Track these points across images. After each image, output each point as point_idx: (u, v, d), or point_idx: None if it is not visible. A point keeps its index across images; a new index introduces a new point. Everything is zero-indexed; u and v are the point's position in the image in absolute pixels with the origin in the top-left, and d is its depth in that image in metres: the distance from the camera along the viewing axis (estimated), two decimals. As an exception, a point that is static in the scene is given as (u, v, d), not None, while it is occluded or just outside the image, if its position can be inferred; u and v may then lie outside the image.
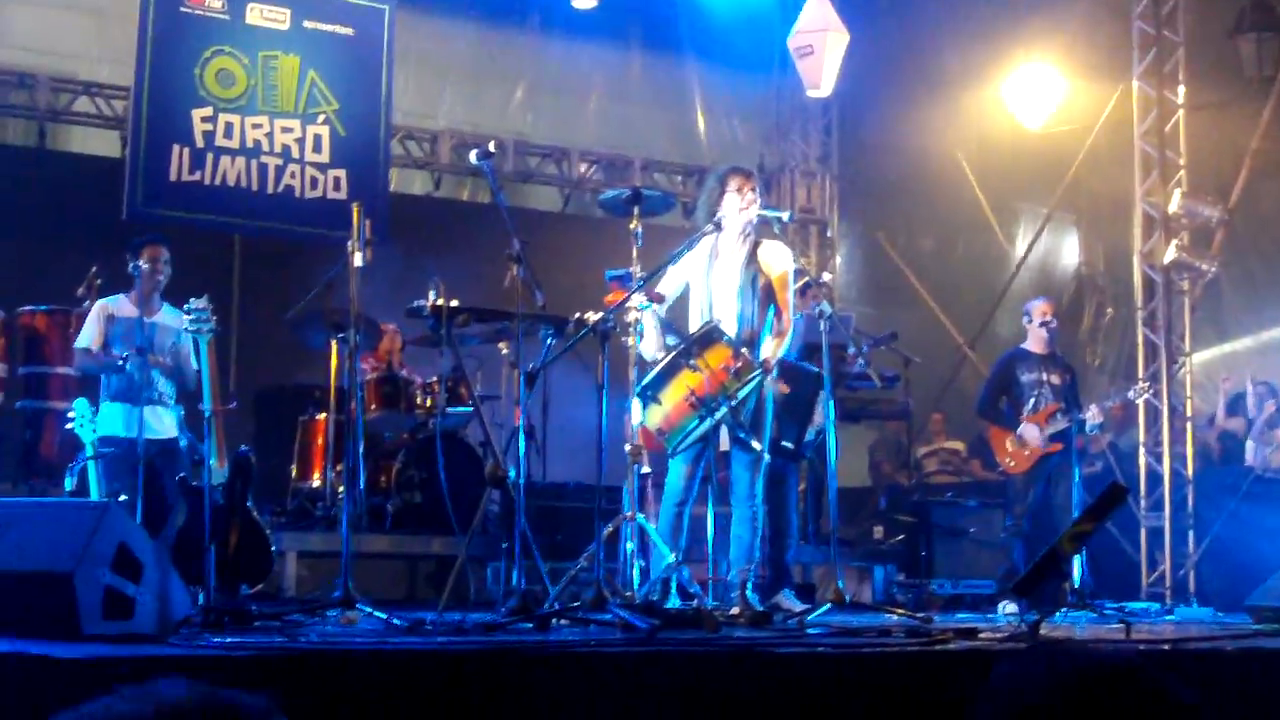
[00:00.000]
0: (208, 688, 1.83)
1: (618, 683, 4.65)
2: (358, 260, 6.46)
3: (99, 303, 8.32)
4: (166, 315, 8.04)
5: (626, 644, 5.31)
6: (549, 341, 6.80)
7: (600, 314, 6.72)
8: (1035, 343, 10.02)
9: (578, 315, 6.83)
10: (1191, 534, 12.01)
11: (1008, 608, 9.31)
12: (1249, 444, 12.30)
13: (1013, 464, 9.89)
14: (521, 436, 6.72)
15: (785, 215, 7.39)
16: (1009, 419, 9.91)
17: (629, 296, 6.82)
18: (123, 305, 8.19)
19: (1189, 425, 12.36)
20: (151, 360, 7.79)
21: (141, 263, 7.98)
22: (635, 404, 6.78)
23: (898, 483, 12.91)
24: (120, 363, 7.81)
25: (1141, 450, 12.26)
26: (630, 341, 6.91)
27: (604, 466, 6.61)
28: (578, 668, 4.70)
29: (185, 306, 6.86)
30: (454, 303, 6.89)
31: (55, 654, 4.02)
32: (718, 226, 7.24)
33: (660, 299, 7.24)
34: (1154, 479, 12.11)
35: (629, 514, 6.81)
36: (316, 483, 10.11)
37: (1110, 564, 11.05)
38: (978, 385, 10.90)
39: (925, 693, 5.11)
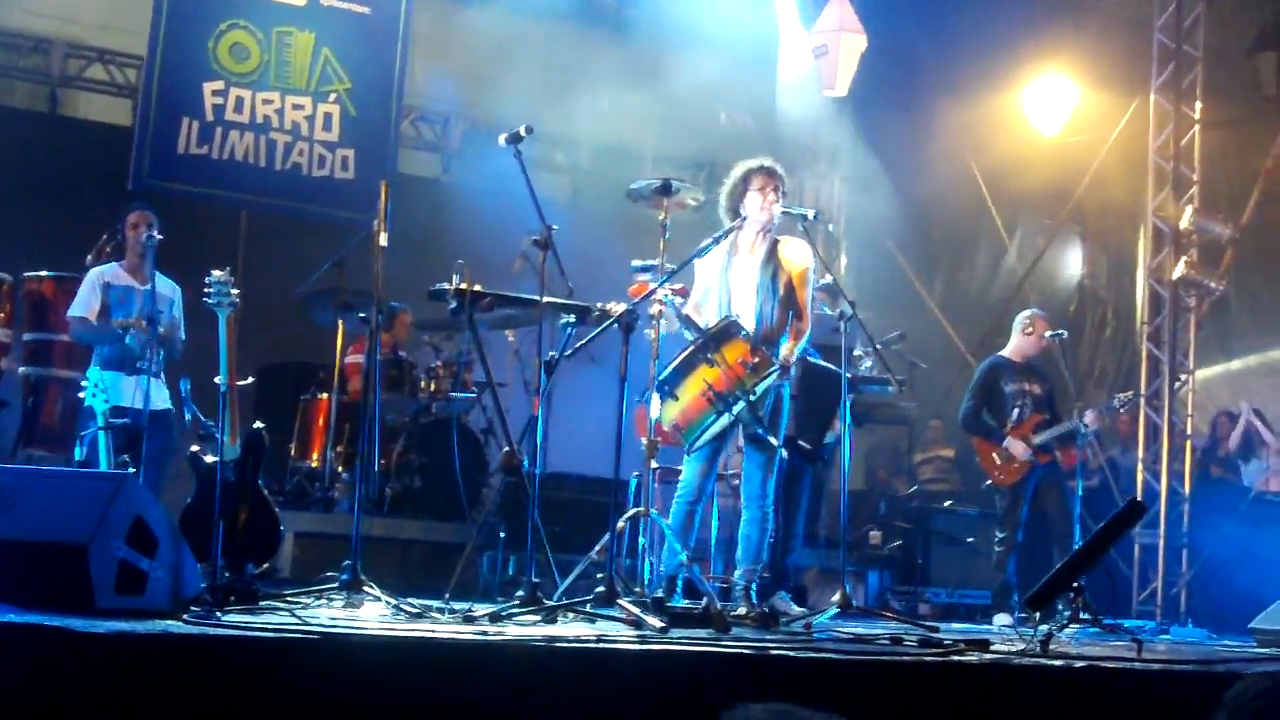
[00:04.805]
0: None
1: (627, 678, 4.63)
2: (383, 240, 6.40)
3: (93, 270, 8.25)
4: (160, 284, 7.95)
5: (637, 640, 5.27)
6: (569, 331, 6.71)
7: (622, 304, 6.64)
8: (1016, 352, 9.97)
9: (600, 305, 6.76)
10: (1185, 552, 11.97)
11: (1001, 620, 9.29)
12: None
13: (1002, 477, 9.81)
14: (540, 425, 6.64)
15: (811, 213, 7.28)
16: (994, 432, 9.84)
17: (655, 289, 6.74)
18: (118, 274, 8.14)
19: (1188, 443, 12.33)
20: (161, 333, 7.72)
21: (128, 230, 7.98)
22: (655, 398, 6.71)
23: (894, 488, 12.86)
24: (122, 332, 7.75)
25: (1139, 466, 12.22)
26: (652, 334, 6.84)
27: (619, 459, 6.53)
28: (586, 662, 4.66)
29: (206, 279, 6.82)
30: (476, 287, 6.80)
31: (72, 627, 3.97)
32: (742, 223, 7.17)
33: (685, 294, 7.16)
34: (1150, 495, 12.04)
35: (642, 509, 6.74)
36: (315, 463, 10.03)
37: (1099, 579, 10.97)
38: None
39: (938, 703, 5.09)
